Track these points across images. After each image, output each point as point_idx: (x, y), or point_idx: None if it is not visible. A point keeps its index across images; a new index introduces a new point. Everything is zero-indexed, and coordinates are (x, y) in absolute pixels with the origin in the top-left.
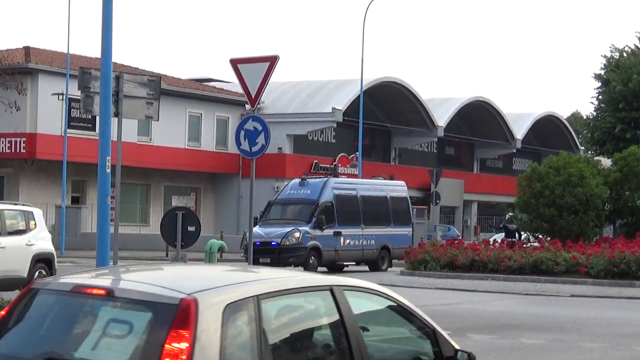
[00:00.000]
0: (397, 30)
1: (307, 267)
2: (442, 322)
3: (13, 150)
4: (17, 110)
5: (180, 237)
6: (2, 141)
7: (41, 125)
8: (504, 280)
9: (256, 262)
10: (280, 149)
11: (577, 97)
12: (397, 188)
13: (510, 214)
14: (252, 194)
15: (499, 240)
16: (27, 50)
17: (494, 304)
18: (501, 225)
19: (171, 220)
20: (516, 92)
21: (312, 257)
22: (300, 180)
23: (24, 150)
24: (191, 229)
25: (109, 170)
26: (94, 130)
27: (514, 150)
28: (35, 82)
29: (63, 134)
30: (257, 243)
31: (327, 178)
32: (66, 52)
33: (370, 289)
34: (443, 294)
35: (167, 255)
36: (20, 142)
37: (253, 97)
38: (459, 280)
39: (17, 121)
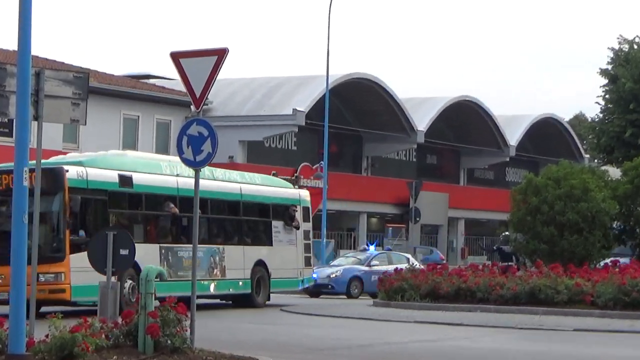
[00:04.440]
0: (368, 21)
1: None
2: None
3: None
4: None
5: (110, 262)
6: None
7: None
8: (495, 311)
9: None
10: (231, 157)
11: (581, 96)
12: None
13: (505, 233)
14: (197, 212)
15: (489, 264)
16: None
17: (483, 340)
18: (495, 248)
19: (101, 242)
20: (508, 91)
21: None
22: None
23: None
24: (124, 252)
25: (26, 184)
26: (10, 135)
27: (507, 159)
28: None
29: None
30: None
31: None
32: None
33: None
34: (423, 329)
35: None
36: None
37: (198, 97)
38: (442, 312)
39: None
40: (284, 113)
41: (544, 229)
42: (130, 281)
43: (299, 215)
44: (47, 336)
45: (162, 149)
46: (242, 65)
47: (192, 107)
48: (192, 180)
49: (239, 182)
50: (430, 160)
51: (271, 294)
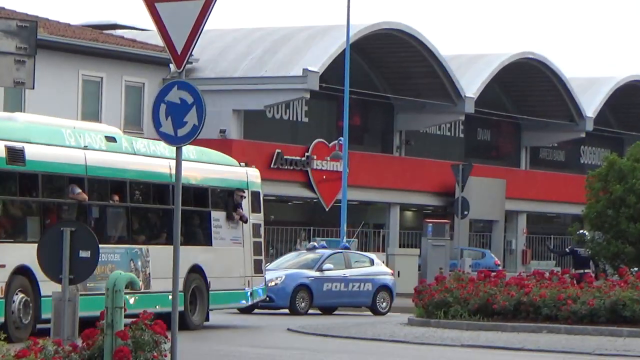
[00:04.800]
0: None
1: None
2: None
3: None
4: None
5: (67, 268)
6: None
7: None
8: (565, 332)
9: None
10: (223, 132)
11: None
12: None
13: (579, 231)
14: (179, 202)
15: (559, 272)
16: None
17: None
18: (567, 250)
19: (54, 241)
20: (583, 49)
21: None
22: None
23: None
24: (84, 254)
25: None
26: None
27: (583, 135)
28: None
29: None
30: None
31: None
32: None
33: None
34: (473, 355)
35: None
36: None
37: (180, 52)
38: (497, 333)
39: None
40: (291, 74)
41: (629, 226)
42: (22, 294)
43: (247, 203)
44: None
45: (134, 120)
46: (238, 12)
47: (172, 66)
48: (107, 156)
49: (169, 158)
50: (483, 136)
51: (210, 312)
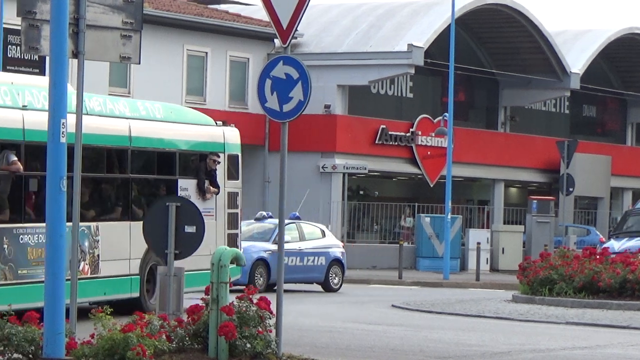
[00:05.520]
0: None
1: None
2: None
3: None
4: None
5: (172, 243)
6: None
7: None
8: None
9: None
10: (327, 107)
11: None
12: None
13: None
14: (284, 176)
15: None
16: None
17: None
18: None
19: (160, 217)
20: None
21: None
22: None
23: None
24: (190, 229)
25: (64, 140)
26: (43, 75)
27: None
28: None
29: None
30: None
31: None
32: None
33: None
34: (578, 332)
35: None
36: None
37: (285, 27)
38: (602, 311)
39: None
40: (396, 50)
41: None
42: None
43: (222, 168)
44: (92, 336)
45: (238, 95)
46: None
47: (278, 41)
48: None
49: (128, 118)
50: (588, 112)
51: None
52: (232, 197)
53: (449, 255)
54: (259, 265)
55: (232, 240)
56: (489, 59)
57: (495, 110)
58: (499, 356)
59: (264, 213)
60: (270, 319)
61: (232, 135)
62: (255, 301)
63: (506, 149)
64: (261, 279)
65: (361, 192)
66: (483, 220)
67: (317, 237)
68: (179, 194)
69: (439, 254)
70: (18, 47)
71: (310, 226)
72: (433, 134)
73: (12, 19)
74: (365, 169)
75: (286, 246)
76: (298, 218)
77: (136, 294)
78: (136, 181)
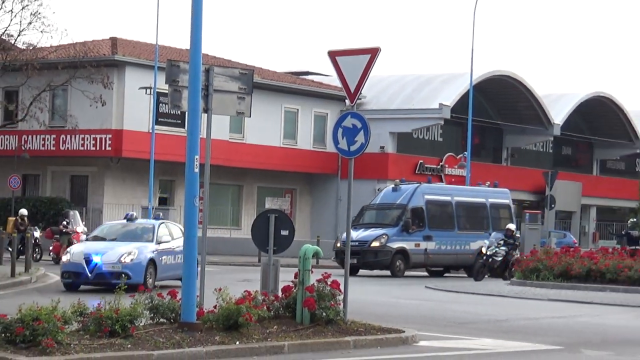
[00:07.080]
0: (509, 22)
1: (394, 270)
2: (555, 337)
3: (98, 148)
4: (102, 105)
5: (272, 242)
6: (87, 138)
7: (128, 121)
8: (623, 292)
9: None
10: (382, 147)
11: None
12: (498, 195)
13: (632, 219)
14: (350, 196)
15: (619, 248)
16: (113, 41)
17: (611, 317)
18: (623, 232)
19: (263, 223)
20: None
21: (399, 261)
22: (392, 186)
23: (110, 148)
24: (284, 233)
25: (197, 170)
26: (183, 126)
27: (638, 151)
28: (122, 75)
29: (150, 131)
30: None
31: (418, 184)
32: (154, 43)
33: None
34: (556, 306)
35: (259, 261)
36: (105, 139)
37: (352, 92)
38: (573, 292)
39: (103, 117)
40: (431, 107)
41: None
42: None
43: None
44: (215, 307)
45: (319, 139)
46: (391, 62)
47: (347, 101)
48: None
49: None
50: (566, 151)
51: None
52: None
53: None
54: (150, 265)
55: None
56: (496, 114)
57: (500, 150)
58: (501, 322)
59: (132, 213)
60: (339, 295)
61: None
62: (329, 283)
63: (508, 177)
64: (150, 278)
65: None
66: None
67: (180, 236)
68: None
69: None
70: (166, 105)
71: (174, 226)
72: (456, 167)
73: (162, 86)
74: None
75: (164, 246)
76: (161, 218)
77: None
78: None
